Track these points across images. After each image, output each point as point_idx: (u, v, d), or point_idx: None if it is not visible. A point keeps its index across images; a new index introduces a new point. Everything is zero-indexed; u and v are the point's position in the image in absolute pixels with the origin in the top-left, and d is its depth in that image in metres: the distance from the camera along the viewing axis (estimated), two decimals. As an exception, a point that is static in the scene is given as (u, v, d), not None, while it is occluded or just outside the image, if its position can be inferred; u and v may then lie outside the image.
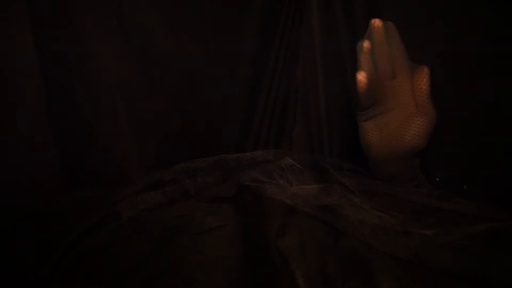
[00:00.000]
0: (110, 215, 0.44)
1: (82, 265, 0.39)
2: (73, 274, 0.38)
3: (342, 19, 0.74)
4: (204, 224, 0.41)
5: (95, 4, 0.62)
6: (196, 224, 0.41)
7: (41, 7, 0.59)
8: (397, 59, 0.56)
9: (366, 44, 0.56)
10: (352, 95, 0.67)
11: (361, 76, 0.57)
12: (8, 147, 0.59)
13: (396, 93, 0.58)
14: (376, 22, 0.55)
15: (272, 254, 0.33)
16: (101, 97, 0.66)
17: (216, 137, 0.79)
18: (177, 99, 0.74)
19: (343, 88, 0.76)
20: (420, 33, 0.68)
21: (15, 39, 0.58)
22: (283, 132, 0.84)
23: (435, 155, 0.67)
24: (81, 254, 0.39)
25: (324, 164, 0.57)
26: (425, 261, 0.33)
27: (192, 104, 0.76)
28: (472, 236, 0.35)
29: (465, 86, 0.66)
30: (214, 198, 0.48)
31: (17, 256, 0.45)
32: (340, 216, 0.37)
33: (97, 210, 0.45)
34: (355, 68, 0.67)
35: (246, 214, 0.42)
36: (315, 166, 0.58)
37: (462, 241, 0.34)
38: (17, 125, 0.60)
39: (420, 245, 0.34)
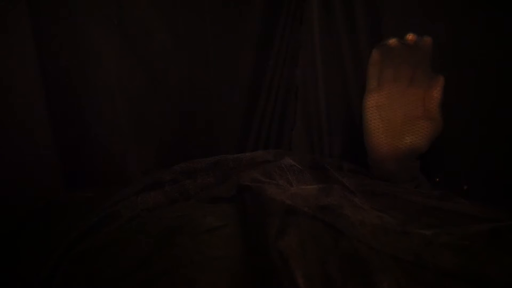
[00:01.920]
0: (110, 215, 0.44)
1: (82, 265, 0.38)
2: (73, 274, 0.38)
3: (342, 19, 0.74)
4: (204, 224, 0.41)
5: (95, 4, 0.62)
6: (196, 224, 0.41)
7: (41, 7, 0.59)
8: (421, 70, 0.58)
9: (393, 41, 0.56)
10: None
11: (377, 50, 0.58)
12: (8, 147, 0.59)
13: (409, 97, 0.60)
14: (409, 37, 0.56)
15: (272, 254, 0.33)
16: (101, 97, 0.66)
17: (216, 137, 0.79)
18: (177, 99, 0.74)
19: (343, 88, 0.76)
20: (420, 33, 0.68)
21: (15, 39, 0.58)
22: (283, 132, 0.84)
23: (435, 155, 0.67)
24: (81, 254, 0.39)
25: (324, 164, 0.57)
26: (425, 261, 0.33)
27: (192, 104, 0.76)
28: (472, 236, 0.35)
29: (465, 86, 0.66)
30: (214, 198, 0.48)
31: (17, 256, 0.45)
32: (340, 216, 0.37)
33: (97, 210, 0.45)
34: (355, 67, 0.67)
35: (246, 214, 0.42)
36: (315, 166, 0.58)
37: (462, 241, 0.34)
38: (17, 125, 0.60)
39: (420, 245, 0.34)
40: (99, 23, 0.63)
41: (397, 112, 0.60)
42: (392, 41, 0.56)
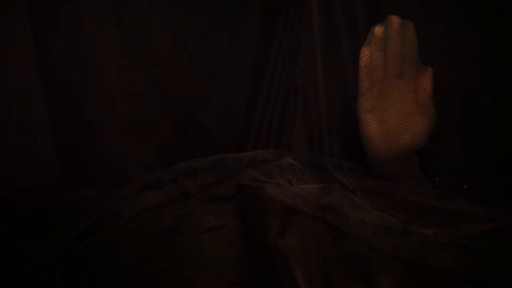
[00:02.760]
0: (110, 215, 0.44)
1: (82, 265, 0.38)
2: (73, 274, 0.38)
3: (342, 19, 0.74)
4: (204, 224, 0.41)
5: (95, 3, 0.62)
6: (196, 224, 0.41)
7: (41, 7, 0.59)
8: (408, 60, 0.57)
9: (379, 28, 0.56)
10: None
11: (366, 50, 0.57)
12: (8, 147, 0.59)
13: (400, 92, 0.59)
14: (393, 19, 0.55)
15: (272, 254, 0.33)
16: (101, 97, 0.66)
17: (216, 137, 0.79)
18: (177, 99, 0.74)
19: (343, 88, 0.76)
20: (421, 33, 0.68)
21: (15, 39, 0.58)
22: (283, 132, 0.84)
23: (435, 155, 0.67)
24: (81, 254, 0.39)
25: (324, 164, 0.57)
26: (425, 261, 0.32)
27: (192, 104, 0.76)
28: (472, 236, 0.35)
29: (465, 86, 0.66)
30: (214, 198, 0.48)
31: (17, 256, 0.45)
32: (341, 216, 0.37)
33: (97, 210, 0.45)
34: (355, 67, 0.67)
35: (246, 213, 0.42)
36: (315, 166, 0.58)
37: (462, 241, 0.34)
38: (17, 125, 0.60)
39: (420, 245, 0.34)
40: (99, 23, 0.63)
41: (392, 110, 0.60)
42: (377, 29, 0.56)
